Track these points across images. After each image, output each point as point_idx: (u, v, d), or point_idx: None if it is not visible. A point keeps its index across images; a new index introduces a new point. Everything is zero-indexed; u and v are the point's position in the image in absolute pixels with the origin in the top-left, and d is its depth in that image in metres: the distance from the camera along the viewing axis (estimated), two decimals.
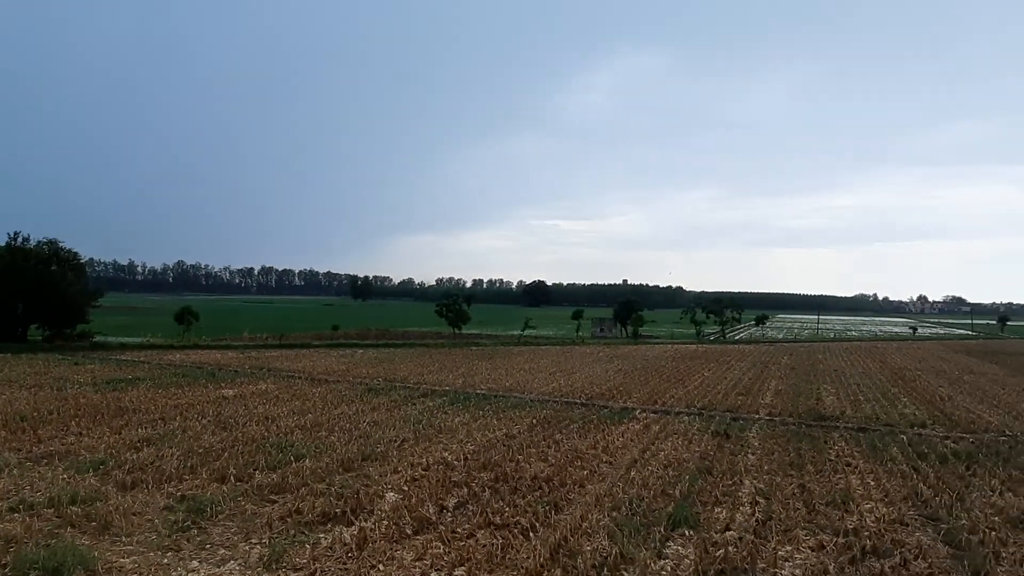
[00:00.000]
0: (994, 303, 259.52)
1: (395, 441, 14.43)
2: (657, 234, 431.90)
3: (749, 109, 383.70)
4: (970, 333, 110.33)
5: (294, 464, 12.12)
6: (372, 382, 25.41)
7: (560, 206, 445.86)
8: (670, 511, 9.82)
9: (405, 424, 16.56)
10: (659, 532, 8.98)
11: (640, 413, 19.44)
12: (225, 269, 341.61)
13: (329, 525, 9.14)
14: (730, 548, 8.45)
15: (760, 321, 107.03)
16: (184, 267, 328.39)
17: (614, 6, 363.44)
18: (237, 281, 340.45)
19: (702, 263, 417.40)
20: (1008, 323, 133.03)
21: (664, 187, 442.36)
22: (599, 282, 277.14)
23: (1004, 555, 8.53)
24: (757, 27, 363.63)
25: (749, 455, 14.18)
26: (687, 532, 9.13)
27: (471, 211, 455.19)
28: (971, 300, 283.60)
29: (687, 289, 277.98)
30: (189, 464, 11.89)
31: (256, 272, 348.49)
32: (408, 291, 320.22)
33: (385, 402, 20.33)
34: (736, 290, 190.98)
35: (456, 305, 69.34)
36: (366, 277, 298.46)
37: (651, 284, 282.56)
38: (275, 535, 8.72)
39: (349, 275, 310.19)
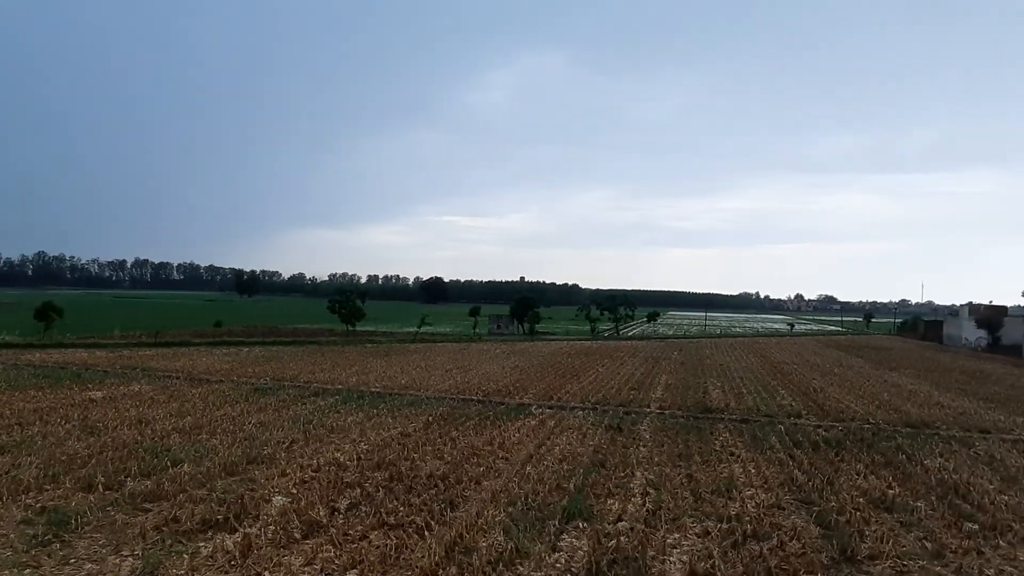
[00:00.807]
0: (861, 301, 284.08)
1: (283, 442, 13.80)
2: (554, 232, 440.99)
3: (644, 112, 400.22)
4: (840, 329, 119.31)
5: (171, 470, 11.31)
6: (259, 381, 24.26)
7: (459, 202, 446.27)
8: (564, 504, 9.94)
9: (294, 425, 15.89)
10: (554, 525, 9.05)
11: (536, 409, 19.64)
12: (93, 261, 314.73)
13: (210, 533, 8.57)
14: (622, 538, 8.64)
15: (652, 318, 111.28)
16: (46, 258, 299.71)
17: (514, 4, 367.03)
18: (107, 275, 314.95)
19: (598, 261, 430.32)
20: (872, 320, 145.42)
21: (562, 186, 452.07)
22: (497, 279, 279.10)
23: (867, 532, 9.20)
24: (653, 33, 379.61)
25: (641, 448, 14.62)
26: (581, 524, 9.25)
27: (367, 205, 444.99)
28: (841, 299, 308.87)
29: (583, 287, 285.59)
30: (51, 473, 10.83)
31: (129, 265, 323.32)
32: (299, 287, 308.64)
33: (273, 402, 19.43)
34: (630, 288, 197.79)
35: (350, 301, 67.51)
36: (253, 271, 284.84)
37: (548, 281, 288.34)
38: (149, 546, 8.09)
39: (234, 269, 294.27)
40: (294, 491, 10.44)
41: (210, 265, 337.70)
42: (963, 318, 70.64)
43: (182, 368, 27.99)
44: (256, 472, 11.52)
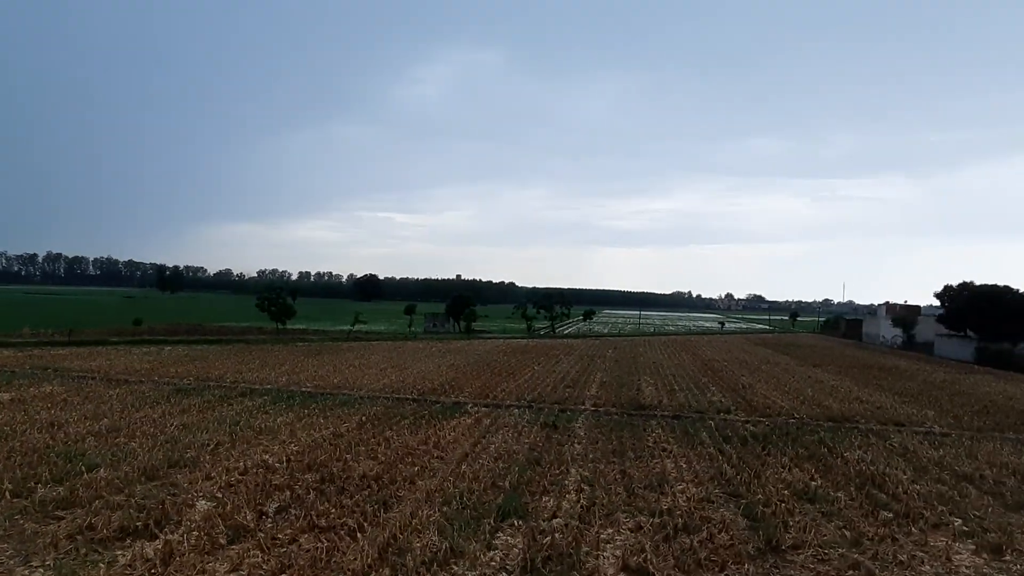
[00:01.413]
0: (787, 301, 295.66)
1: (208, 445, 13.27)
2: (491, 230, 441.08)
3: (579, 113, 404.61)
4: (768, 327, 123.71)
5: (86, 475, 10.69)
6: (182, 382, 23.28)
7: (393, 199, 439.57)
8: (500, 503, 9.90)
9: (220, 426, 15.30)
10: (489, 524, 9.00)
11: (472, 407, 19.55)
12: (1, 255, 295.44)
13: (128, 540, 8.15)
14: (556, 535, 8.67)
15: (587, 316, 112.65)
16: None
17: (446, 2, 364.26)
18: (16, 269, 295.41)
19: (534, 260, 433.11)
20: (798, 319, 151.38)
21: (498, 184, 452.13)
22: (433, 277, 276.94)
23: (791, 523, 9.53)
24: (588, 35, 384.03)
25: (575, 445, 14.74)
26: (516, 522, 9.24)
27: (299, 201, 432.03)
28: (769, 298, 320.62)
29: (520, 285, 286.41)
30: None
31: (40, 259, 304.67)
32: (225, 283, 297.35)
33: (197, 403, 18.67)
34: (566, 286, 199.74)
35: (280, 299, 65.63)
36: (176, 267, 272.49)
37: (484, 280, 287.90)
38: (62, 555, 7.64)
39: (156, 264, 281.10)
40: (219, 495, 10.04)
41: (129, 260, 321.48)
42: (880, 317, 74.65)
43: (98, 368, 26.58)
44: (178, 476, 11.03)
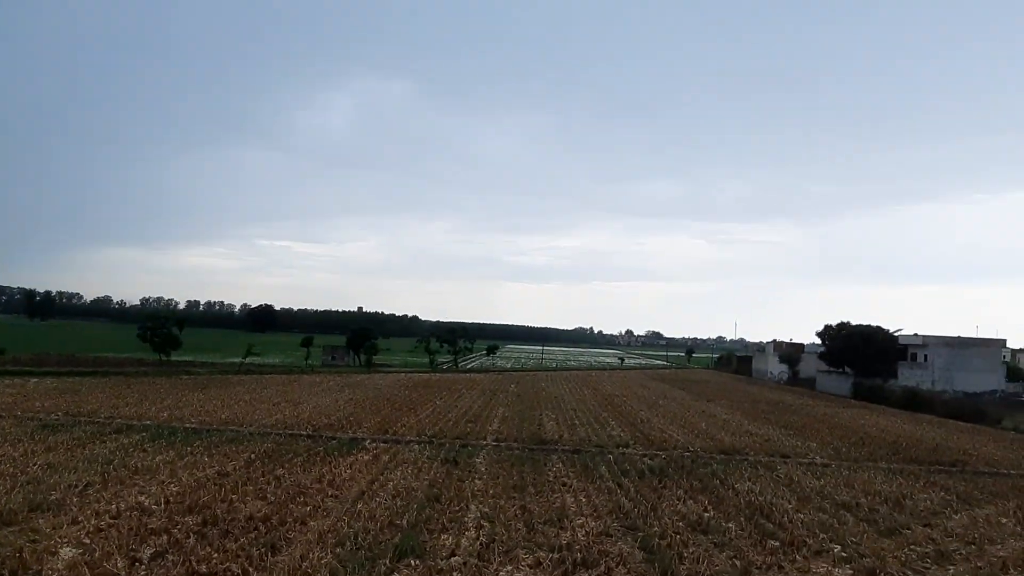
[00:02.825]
0: (684, 337, 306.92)
1: (76, 486, 12.11)
2: (395, 262, 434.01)
3: (489, 148, 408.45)
4: (665, 363, 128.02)
5: None
6: (49, 417, 21.27)
7: (294, 227, 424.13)
8: (397, 542, 9.57)
9: (91, 465, 14.02)
10: (385, 564, 8.67)
11: (370, 443, 18.95)
12: None
13: None
14: (455, 574, 8.44)
15: (491, 351, 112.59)
16: None
17: (357, 28, 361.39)
18: None
19: (438, 294, 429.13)
20: (693, 355, 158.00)
21: (404, 216, 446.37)
22: (333, 308, 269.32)
23: (686, 555, 9.75)
24: (497, 73, 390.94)
25: (476, 480, 14.54)
26: (413, 562, 8.94)
27: (189, 225, 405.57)
28: (667, 334, 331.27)
29: (423, 318, 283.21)
30: None
31: None
32: (104, 311, 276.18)
33: (66, 440, 17.07)
34: (470, 321, 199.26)
35: (164, 328, 61.63)
36: (48, 292, 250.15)
37: (387, 312, 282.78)
38: None
39: (24, 289, 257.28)
40: (87, 541, 9.14)
41: None
42: (769, 354, 79.38)
43: None
44: (41, 521, 9.97)
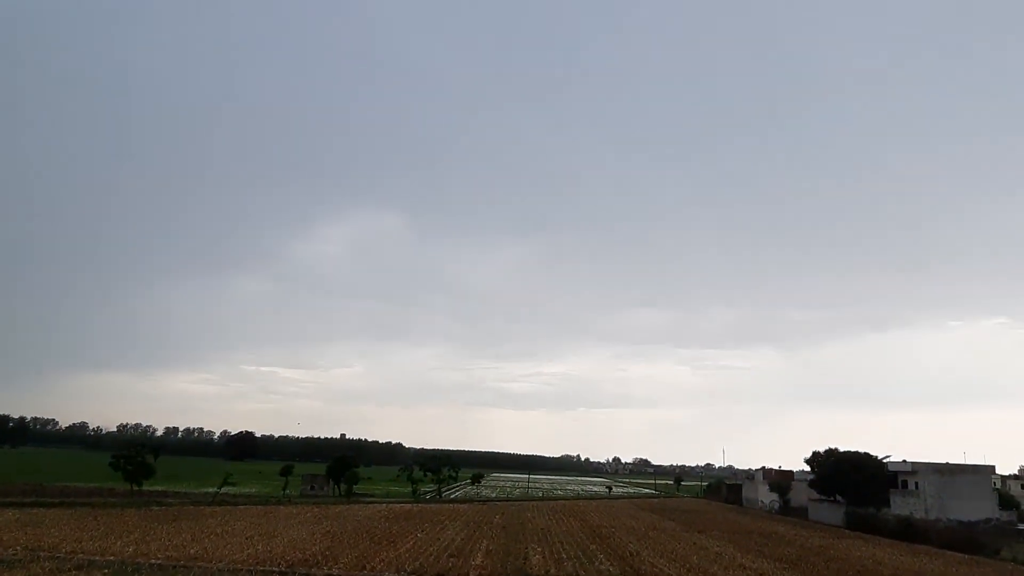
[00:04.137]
0: (672, 464, 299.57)
1: None
2: (380, 388, 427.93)
3: (477, 276, 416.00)
4: (654, 492, 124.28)
5: None
6: (6, 552, 20.07)
7: (281, 353, 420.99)
8: None
9: None
10: None
11: None
12: None
13: None
14: None
15: (476, 480, 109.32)
16: None
17: (352, 163, 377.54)
18: None
19: (423, 420, 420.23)
20: (682, 483, 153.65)
21: (391, 343, 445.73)
22: (316, 435, 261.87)
23: None
24: (485, 205, 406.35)
25: None
26: None
27: (171, 350, 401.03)
28: (655, 461, 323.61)
29: (407, 445, 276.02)
30: None
31: None
32: (79, 438, 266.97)
33: None
34: (455, 447, 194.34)
35: (137, 456, 59.41)
36: (21, 418, 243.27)
37: (371, 439, 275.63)
38: None
39: None
40: None
41: None
42: (758, 481, 77.37)
43: None
44: None
